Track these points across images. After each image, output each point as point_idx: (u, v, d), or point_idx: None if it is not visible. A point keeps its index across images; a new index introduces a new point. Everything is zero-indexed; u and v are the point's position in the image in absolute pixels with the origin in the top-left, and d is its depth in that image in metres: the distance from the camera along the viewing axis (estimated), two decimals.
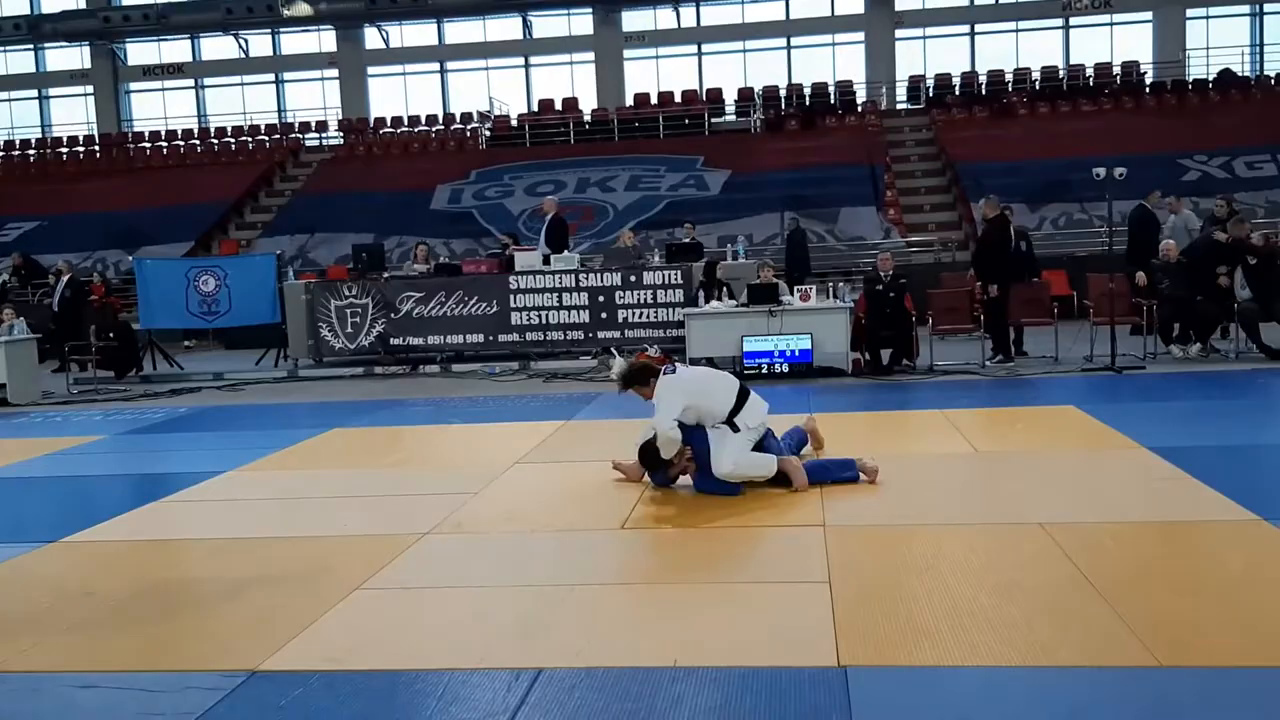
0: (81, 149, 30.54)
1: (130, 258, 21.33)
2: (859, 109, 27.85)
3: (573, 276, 13.79)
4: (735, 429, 6.24)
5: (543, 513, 6.08)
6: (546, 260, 14.07)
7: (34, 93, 33.31)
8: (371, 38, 30.85)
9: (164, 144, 30.27)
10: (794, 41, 30.03)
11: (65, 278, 16.80)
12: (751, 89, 28.80)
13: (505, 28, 30.68)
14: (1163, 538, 5.25)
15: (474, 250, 21.49)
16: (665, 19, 30.05)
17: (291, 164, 28.83)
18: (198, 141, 30.22)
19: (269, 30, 30.98)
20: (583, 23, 30.26)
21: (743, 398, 6.35)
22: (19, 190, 27.95)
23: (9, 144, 31.23)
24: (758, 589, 4.68)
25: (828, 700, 3.41)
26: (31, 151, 30.71)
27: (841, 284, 12.71)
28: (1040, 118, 26.12)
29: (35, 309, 17.62)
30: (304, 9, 28.75)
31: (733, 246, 14.57)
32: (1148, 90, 26.90)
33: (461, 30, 30.67)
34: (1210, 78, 27.02)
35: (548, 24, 30.76)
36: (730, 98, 28.69)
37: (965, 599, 4.27)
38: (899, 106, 28.42)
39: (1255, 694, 3.39)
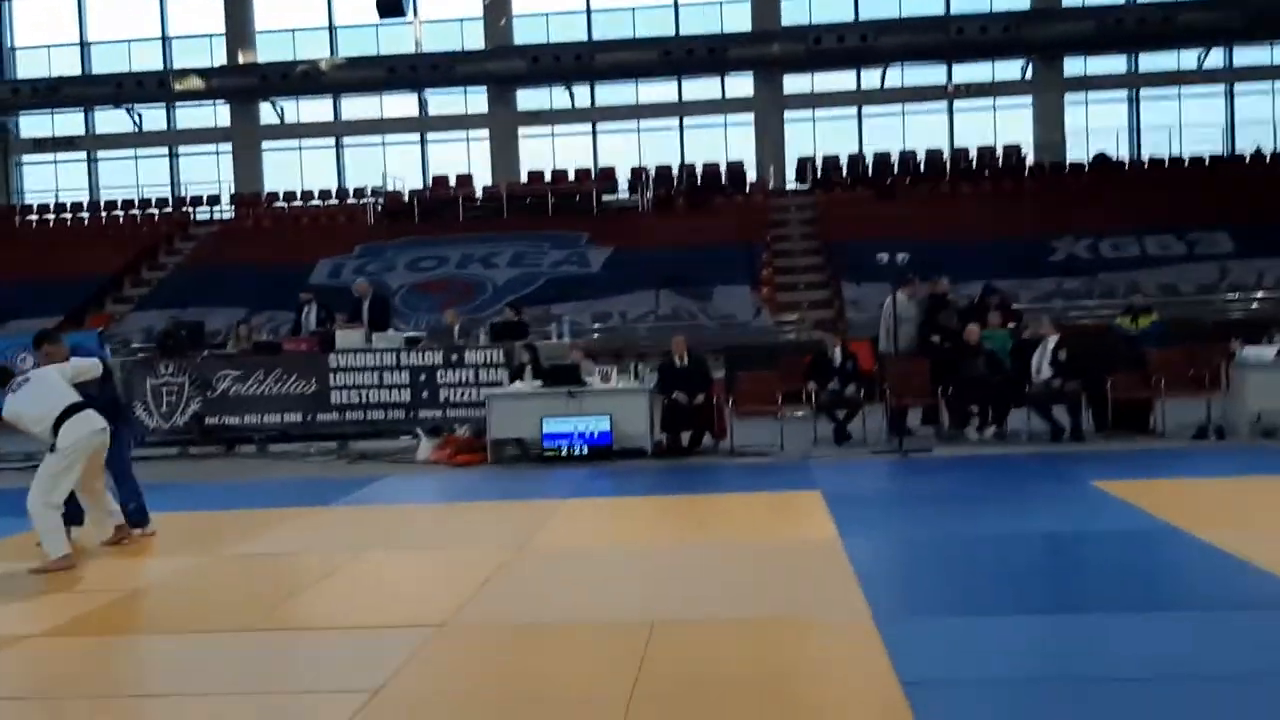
0: None
1: None
2: (748, 189, 28.17)
3: (394, 355, 13.65)
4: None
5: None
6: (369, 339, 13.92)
7: None
8: (266, 112, 30.82)
9: (51, 215, 29.94)
10: (687, 122, 30.41)
11: None
12: (644, 168, 29.03)
13: (401, 104, 30.82)
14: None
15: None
16: (560, 98, 30.31)
17: (179, 237, 28.53)
18: (86, 214, 29.92)
19: (163, 105, 30.88)
20: (478, 101, 30.49)
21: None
22: None
23: None
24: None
25: None
26: None
27: (640, 364, 12.63)
28: (921, 199, 26.51)
29: None
30: (195, 83, 28.75)
31: (558, 326, 14.50)
32: (1027, 173, 27.47)
33: (358, 106, 30.75)
34: (1088, 161, 27.71)
35: (444, 101, 30.94)
36: (624, 176, 28.87)
37: None
38: (788, 187, 28.75)
39: None
